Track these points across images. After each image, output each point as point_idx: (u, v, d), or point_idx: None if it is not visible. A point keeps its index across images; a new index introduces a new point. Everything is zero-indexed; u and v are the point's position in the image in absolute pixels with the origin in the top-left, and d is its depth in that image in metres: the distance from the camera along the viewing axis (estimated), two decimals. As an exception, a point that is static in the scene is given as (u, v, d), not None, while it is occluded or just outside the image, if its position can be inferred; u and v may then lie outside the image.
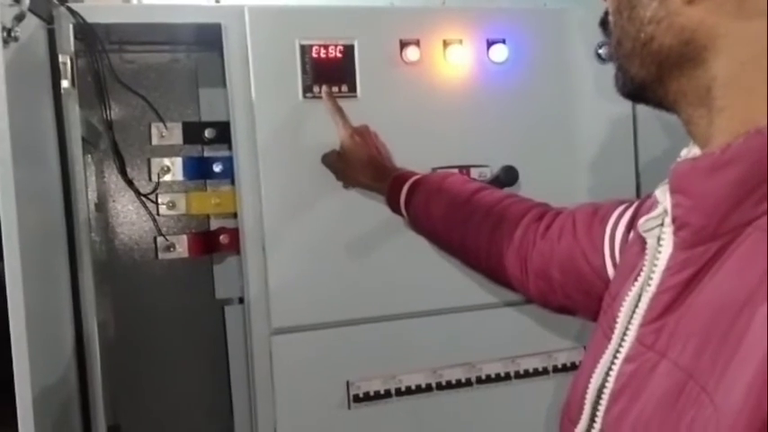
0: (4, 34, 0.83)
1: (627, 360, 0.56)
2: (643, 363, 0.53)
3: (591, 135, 1.21)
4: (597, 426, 0.58)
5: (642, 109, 1.20)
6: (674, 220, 0.54)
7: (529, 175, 1.14)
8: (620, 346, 0.58)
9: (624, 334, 0.58)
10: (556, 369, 1.20)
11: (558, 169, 1.20)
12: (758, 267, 0.45)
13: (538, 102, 1.19)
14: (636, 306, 0.57)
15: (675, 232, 0.54)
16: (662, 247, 0.56)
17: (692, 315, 0.50)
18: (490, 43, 1.15)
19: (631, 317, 0.58)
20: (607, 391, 0.57)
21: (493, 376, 1.18)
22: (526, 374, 1.19)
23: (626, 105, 1.22)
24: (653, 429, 0.50)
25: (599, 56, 1.21)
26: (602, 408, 0.58)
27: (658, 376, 0.51)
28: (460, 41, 1.14)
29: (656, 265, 0.56)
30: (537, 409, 1.18)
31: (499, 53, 1.15)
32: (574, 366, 1.20)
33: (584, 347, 1.20)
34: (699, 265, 0.51)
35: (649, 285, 0.56)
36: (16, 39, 0.85)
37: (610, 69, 1.18)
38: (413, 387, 1.15)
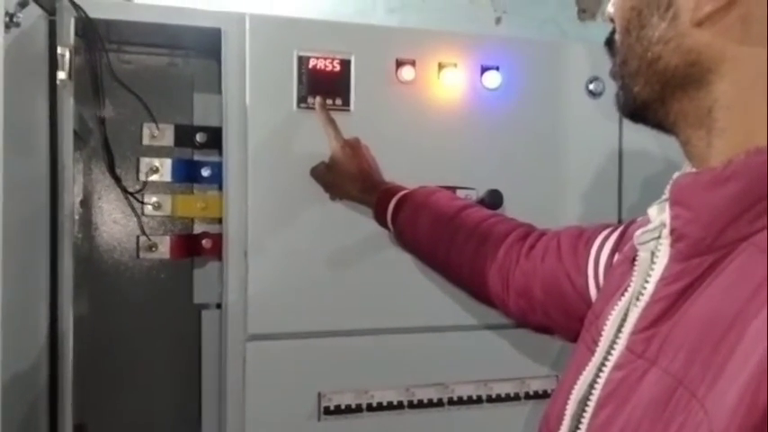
0: (6, 19, 0.83)
1: (616, 368, 0.57)
2: (632, 370, 0.54)
3: (577, 165, 1.23)
4: None
5: (628, 143, 1.24)
6: (672, 232, 0.55)
7: (514, 200, 1.16)
8: (608, 354, 0.59)
9: (613, 344, 0.59)
10: (528, 396, 1.20)
11: (543, 196, 1.22)
12: (751, 281, 0.47)
13: (527, 130, 1.21)
14: (624, 318, 0.59)
15: (673, 244, 0.55)
16: (657, 259, 0.57)
17: (685, 324, 0.51)
18: (484, 69, 1.17)
19: (619, 328, 0.59)
20: (593, 399, 0.58)
21: (465, 398, 1.17)
22: (498, 399, 1.19)
23: (612, 139, 1.24)
24: None
25: (589, 91, 1.23)
26: (587, 416, 0.58)
27: (647, 383, 0.52)
28: (455, 65, 1.16)
29: (650, 275, 0.57)
30: (507, 434, 1.18)
31: (492, 79, 1.18)
32: (546, 394, 1.20)
33: (557, 377, 1.21)
34: (693, 277, 0.52)
35: (642, 296, 0.57)
36: (18, 24, 0.85)
37: (599, 104, 1.24)
38: (384, 403, 1.14)
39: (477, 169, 1.18)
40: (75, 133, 1.09)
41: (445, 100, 1.17)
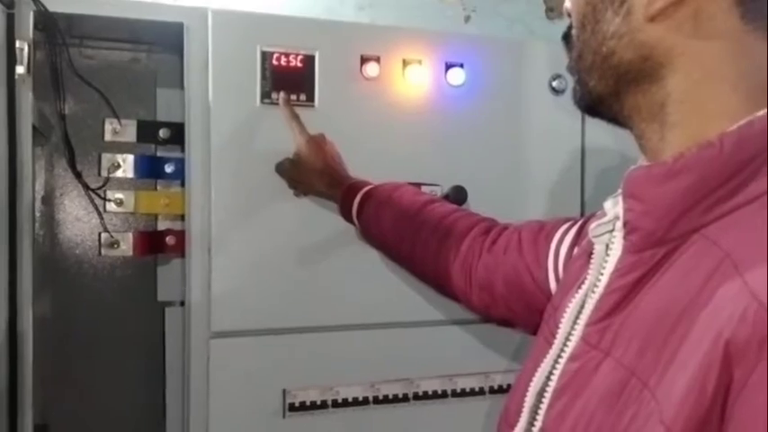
0: (-39, 12, 0.82)
1: (571, 359, 0.58)
2: (587, 361, 0.55)
3: (540, 161, 1.25)
4: (537, 425, 0.60)
5: (590, 139, 1.26)
6: (625, 224, 0.56)
7: (478, 196, 1.16)
8: (564, 346, 0.60)
9: (569, 335, 0.60)
10: (492, 390, 1.21)
11: (507, 191, 1.23)
12: (701, 272, 0.48)
13: (490, 126, 1.22)
14: (580, 310, 0.60)
15: (626, 236, 0.56)
16: (611, 251, 0.58)
17: (637, 316, 0.52)
18: (448, 66, 1.18)
19: (575, 320, 0.60)
20: (549, 390, 0.59)
21: (430, 393, 1.18)
22: (463, 393, 1.20)
23: (575, 135, 1.26)
24: (594, 425, 0.52)
25: (552, 88, 1.25)
26: (543, 407, 0.59)
27: (601, 374, 0.53)
28: (420, 62, 1.17)
29: (604, 267, 0.58)
30: (472, 428, 1.19)
31: (456, 76, 1.18)
32: (510, 388, 1.21)
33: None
34: (646, 268, 0.53)
35: (597, 288, 0.58)
36: (-27, 17, 0.84)
37: (561, 101, 1.25)
38: (350, 399, 1.14)
39: (442, 165, 1.18)
40: (36, 129, 1.07)
41: (409, 96, 1.17)
